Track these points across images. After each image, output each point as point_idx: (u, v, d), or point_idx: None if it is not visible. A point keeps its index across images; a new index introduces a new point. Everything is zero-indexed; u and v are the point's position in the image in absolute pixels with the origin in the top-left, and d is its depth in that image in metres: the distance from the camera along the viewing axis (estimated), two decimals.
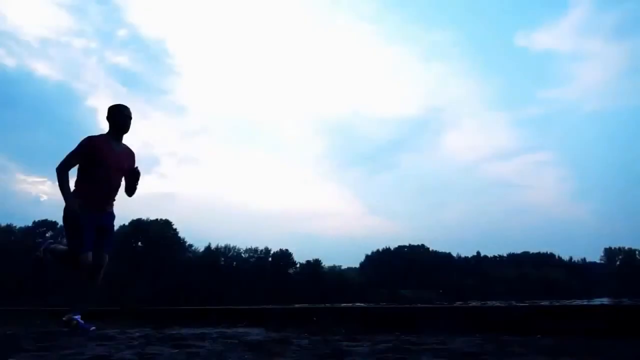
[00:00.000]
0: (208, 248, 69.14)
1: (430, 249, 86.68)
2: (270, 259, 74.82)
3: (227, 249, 71.62)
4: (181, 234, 65.70)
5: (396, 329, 2.80)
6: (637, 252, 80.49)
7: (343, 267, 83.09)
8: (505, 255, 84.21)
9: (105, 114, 3.42)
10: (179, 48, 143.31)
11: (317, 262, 77.83)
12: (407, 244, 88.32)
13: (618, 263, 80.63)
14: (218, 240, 76.47)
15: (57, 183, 3.20)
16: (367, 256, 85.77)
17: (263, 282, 65.65)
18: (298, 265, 76.90)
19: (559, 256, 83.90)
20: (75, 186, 3.32)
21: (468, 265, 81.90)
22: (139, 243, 62.08)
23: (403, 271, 77.19)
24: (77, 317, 3.22)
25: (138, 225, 61.86)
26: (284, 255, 75.36)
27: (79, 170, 3.33)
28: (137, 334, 2.96)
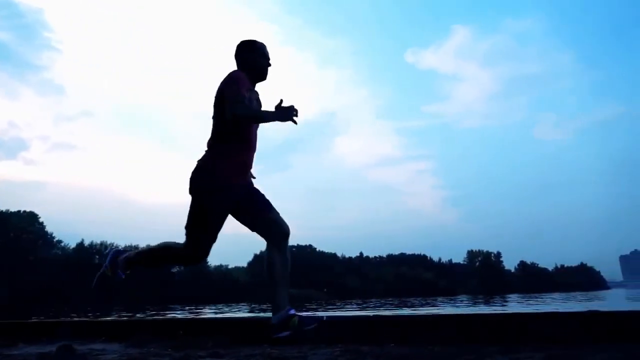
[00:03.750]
0: (81, 245, 62.97)
1: (317, 249, 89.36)
2: None
3: (103, 245, 65.86)
4: (49, 229, 58.95)
5: (265, 341, 2.81)
6: (492, 255, 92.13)
7: (230, 267, 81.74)
8: (384, 256, 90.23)
9: (235, 52, 2.50)
10: (61, 21, 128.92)
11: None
12: (295, 244, 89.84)
13: (477, 264, 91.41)
14: (93, 236, 70.09)
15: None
16: (255, 255, 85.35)
17: (143, 282, 61.71)
18: None
19: (430, 257, 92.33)
20: (211, 147, 2.36)
21: (351, 265, 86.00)
22: None
23: (290, 270, 78.17)
24: (292, 311, 2.27)
25: None
26: None
27: (218, 123, 2.35)
28: None
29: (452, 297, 35.96)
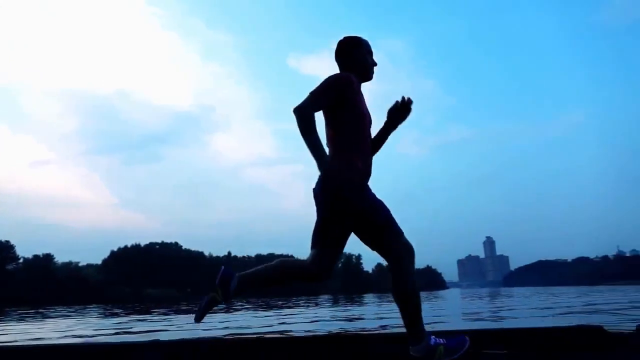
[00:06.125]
0: None
1: (183, 247, 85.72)
2: None
3: None
4: None
5: None
6: (354, 257, 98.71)
7: (81, 264, 74.02)
8: (253, 255, 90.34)
9: (341, 50, 2.19)
10: None
11: (48, 257, 67.19)
12: (159, 241, 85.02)
13: (340, 265, 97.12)
14: None
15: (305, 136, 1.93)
16: (112, 252, 78.65)
17: None
18: (21, 261, 64.78)
19: (297, 258, 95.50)
20: (332, 148, 2.05)
21: (219, 265, 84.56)
22: None
23: (152, 269, 73.80)
24: (435, 339, 1.98)
25: None
26: (2, 248, 62.39)
27: (332, 125, 2.06)
28: None
29: (315, 297, 37.65)
